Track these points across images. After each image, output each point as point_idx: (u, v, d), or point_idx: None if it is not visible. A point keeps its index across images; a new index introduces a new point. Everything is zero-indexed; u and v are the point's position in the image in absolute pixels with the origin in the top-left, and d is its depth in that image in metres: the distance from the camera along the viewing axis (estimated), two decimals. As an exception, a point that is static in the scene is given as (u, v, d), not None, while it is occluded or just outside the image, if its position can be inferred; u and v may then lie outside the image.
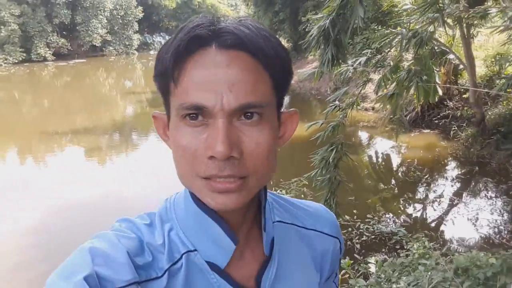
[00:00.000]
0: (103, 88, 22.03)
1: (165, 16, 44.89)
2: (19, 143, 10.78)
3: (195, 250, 0.57)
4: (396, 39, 3.14)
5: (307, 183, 5.06)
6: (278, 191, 4.89)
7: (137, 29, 39.77)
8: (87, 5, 34.85)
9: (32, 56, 32.43)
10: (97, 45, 36.24)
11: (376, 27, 10.44)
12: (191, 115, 0.51)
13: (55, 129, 11.90)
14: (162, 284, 0.54)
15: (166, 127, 0.58)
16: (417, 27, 2.99)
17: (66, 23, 34.28)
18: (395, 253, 4.34)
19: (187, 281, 0.56)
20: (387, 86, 3.69)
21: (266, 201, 0.61)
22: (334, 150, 3.65)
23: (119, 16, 37.42)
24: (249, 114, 0.51)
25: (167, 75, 0.52)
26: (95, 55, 36.66)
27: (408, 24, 3.15)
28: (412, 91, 4.21)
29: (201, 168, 0.51)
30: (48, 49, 33.29)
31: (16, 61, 31.24)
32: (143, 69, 30.31)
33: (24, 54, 31.88)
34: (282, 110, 0.59)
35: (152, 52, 42.02)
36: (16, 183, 7.49)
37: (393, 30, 3.85)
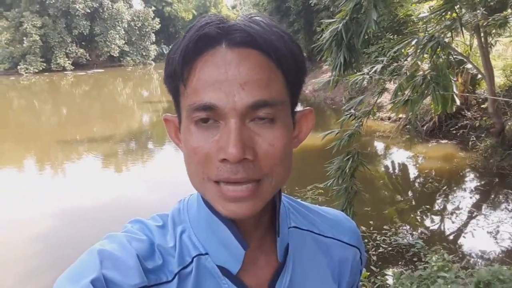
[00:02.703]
0: (120, 98, 22.41)
1: (181, 27, 45.63)
2: (36, 150, 11.00)
3: (207, 253, 0.56)
4: (412, 45, 3.09)
5: (322, 191, 5.00)
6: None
7: (154, 40, 40.54)
8: (106, 16, 35.74)
9: (52, 66, 33.39)
10: (115, 55, 37.05)
11: (391, 36, 10.37)
12: (203, 119, 0.49)
13: (72, 137, 12.13)
14: (172, 287, 0.53)
15: (177, 130, 0.56)
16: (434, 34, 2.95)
17: (85, 34, 35.19)
18: (412, 266, 4.23)
19: (197, 286, 0.54)
20: (403, 94, 3.64)
21: (280, 205, 0.59)
22: (351, 159, 3.60)
23: (137, 28, 38.22)
24: (262, 114, 0.49)
25: (176, 76, 0.50)
26: (113, 65, 37.42)
27: (425, 31, 3.11)
28: (428, 98, 4.15)
29: (213, 171, 0.49)
30: (67, 59, 34.23)
31: (37, 70, 32.22)
32: (159, 79, 30.72)
33: (44, 64, 32.86)
34: (296, 109, 0.57)
35: (168, 62, 42.61)
36: (29, 189, 7.62)
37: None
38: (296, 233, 0.63)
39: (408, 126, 9.13)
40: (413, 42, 2.98)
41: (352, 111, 3.81)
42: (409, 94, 3.25)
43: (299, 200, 0.71)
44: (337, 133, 3.84)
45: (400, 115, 7.95)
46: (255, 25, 0.50)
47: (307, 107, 0.59)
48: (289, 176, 0.54)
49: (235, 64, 0.48)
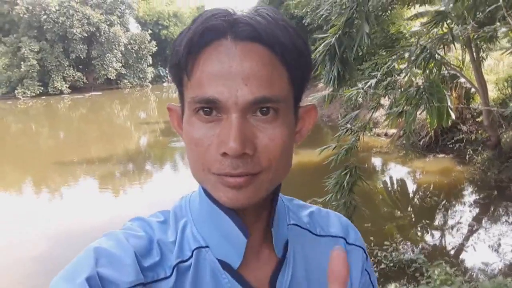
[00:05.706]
0: (117, 120, 22.45)
1: (177, 49, 46.16)
2: (33, 173, 10.92)
3: (207, 246, 0.55)
4: (406, 58, 3.13)
5: (321, 206, 4.97)
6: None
7: (151, 63, 40.91)
8: (103, 40, 36.14)
9: (49, 90, 33.48)
10: (112, 78, 37.28)
11: (384, 52, 10.54)
12: (204, 109, 0.49)
13: (69, 159, 12.06)
14: (170, 283, 0.51)
15: (180, 119, 0.56)
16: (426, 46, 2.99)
17: (82, 57, 35.49)
18: (415, 282, 4.17)
19: (196, 280, 0.53)
20: (397, 106, 3.66)
21: (278, 200, 0.59)
22: (348, 174, 3.58)
23: (133, 50, 38.62)
24: (264, 109, 0.49)
25: (180, 67, 0.51)
26: (110, 87, 37.64)
27: (417, 44, 3.16)
28: (424, 113, 4.17)
29: (214, 165, 0.49)
30: (64, 83, 34.38)
31: (34, 94, 32.31)
32: (156, 100, 30.92)
33: (42, 88, 32.98)
34: (299, 104, 0.56)
35: (165, 84, 43.06)
36: (26, 212, 7.53)
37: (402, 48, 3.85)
38: (296, 230, 0.63)
39: (403, 141, 9.16)
40: (406, 55, 3.02)
41: (348, 125, 3.82)
42: (403, 106, 3.27)
43: (299, 200, 0.70)
44: (334, 148, 3.83)
45: (395, 130, 8.00)
46: (261, 19, 0.49)
47: (310, 103, 0.59)
48: (288, 172, 0.54)
49: (239, 59, 0.48)
